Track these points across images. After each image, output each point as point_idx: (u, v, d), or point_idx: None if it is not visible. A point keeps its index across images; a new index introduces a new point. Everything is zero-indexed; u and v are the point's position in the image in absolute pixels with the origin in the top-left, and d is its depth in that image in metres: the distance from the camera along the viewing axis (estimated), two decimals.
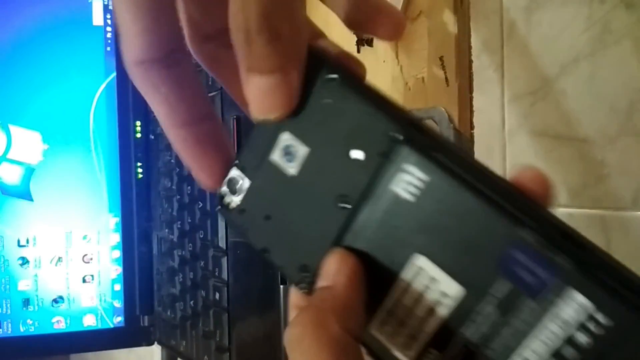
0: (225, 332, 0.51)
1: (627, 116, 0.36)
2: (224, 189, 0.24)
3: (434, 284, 0.20)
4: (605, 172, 0.38)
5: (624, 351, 0.16)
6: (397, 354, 0.20)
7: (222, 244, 0.51)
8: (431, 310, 0.20)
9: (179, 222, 0.58)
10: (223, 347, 0.51)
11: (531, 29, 0.40)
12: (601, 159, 0.38)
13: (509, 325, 0.18)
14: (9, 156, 0.61)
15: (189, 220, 0.56)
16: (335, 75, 0.21)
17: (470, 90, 0.42)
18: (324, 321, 0.19)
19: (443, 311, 0.19)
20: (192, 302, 0.56)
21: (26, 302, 0.61)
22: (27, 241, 0.61)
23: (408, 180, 0.20)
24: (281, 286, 0.45)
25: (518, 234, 0.18)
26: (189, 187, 0.56)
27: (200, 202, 0.54)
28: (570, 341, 0.17)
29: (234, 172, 0.24)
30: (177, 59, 0.21)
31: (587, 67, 0.38)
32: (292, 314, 0.23)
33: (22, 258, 0.61)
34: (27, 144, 0.61)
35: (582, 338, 0.17)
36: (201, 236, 0.54)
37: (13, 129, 0.61)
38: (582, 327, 0.17)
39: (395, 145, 0.20)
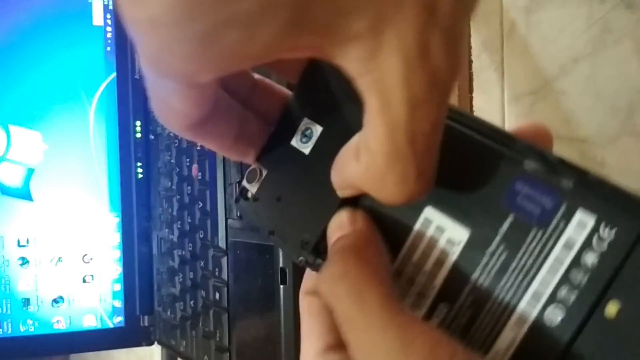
0: (225, 332, 0.51)
1: (627, 116, 0.36)
2: (244, 182, 0.25)
3: (440, 233, 0.20)
4: (605, 172, 0.38)
5: (626, 263, 0.16)
6: None
7: (222, 244, 0.51)
8: (439, 262, 0.20)
9: (179, 222, 0.58)
10: (223, 347, 0.51)
11: (531, 29, 0.39)
12: (601, 159, 0.38)
13: (517, 260, 0.18)
14: (9, 156, 0.61)
15: (189, 220, 0.56)
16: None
17: (470, 90, 0.42)
18: (364, 255, 0.19)
19: (451, 260, 0.19)
20: (192, 302, 0.56)
21: (26, 302, 0.61)
22: (27, 241, 0.61)
23: None
24: (281, 286, 0.45)
25: (521, 166, 0.18)
26: (189, 187, 0.56)
27: (200, 202, 0.54)
28: (576, 263, 0.17)
29: (254, 165, 0.25)
30: (218, 105, 0.22)
31: (587, 67, 0.38)
32: (303, 301, 0.23)
33: (22, 258, 0.61)
34: (27, 144, 0.61)
35: (588, 258, 0.17)
36: (201, 236, 0.54)
37: (13, 129, 0.61)
38: (587, 245, 0.17)
39: None
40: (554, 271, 0.17)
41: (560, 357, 0.17)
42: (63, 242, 0.62)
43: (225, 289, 0.51)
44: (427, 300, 0.20)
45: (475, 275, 0.19)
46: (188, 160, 0.56)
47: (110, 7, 0.64)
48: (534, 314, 0.18)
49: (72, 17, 0.63)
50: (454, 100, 0.41)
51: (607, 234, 0.17)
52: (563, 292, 0.17)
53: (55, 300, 0.61)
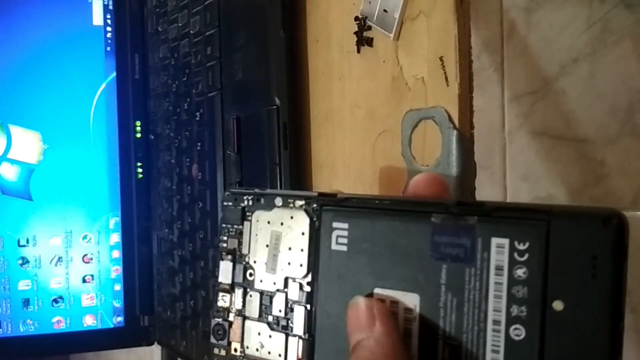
0: None
1: (627, 116, 0.36)
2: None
3: (396, 306, 0.22)
4: (605, 172, 0.38)
5: (549, 262, 0.18)
6: None
7: None
8: (407, 331, 0.21)
9: (179, 222, 0.58)
10: None
11: (531, 29, 0.40)
12: (601, 159, 0.38)
13: (467, 300, 0.20)
14: (9, 156, 0.61)
15: (189, 220, 0.56)
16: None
17: (470, 90, 0.42)
18: None
19: (416, 325, 0.21)
20: (192, 302, 0.56)
21: (26, 302, 0.61)
22: (27, 241, 0.61)
23: (337, 234, 0.23)
24: None
25: (430, 222, 0.21)
26: (189, 187, 0.56)
27: (200, 202, 0.54)
28: (513, 281, 0.19)
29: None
30: None
31: (587, 67, 0.38)
32: None
33: (22, 258, 0.61)
34: (27, 144, 0.61)
35: (519, 272, 0.19)
36: (201, 236, 0.54)
37: (13, 129, 0.61)
38: (513, 263, 0.19)
39: (318, 213, 0.24)
40: (499, 296, 0.19)
41: None
42: (63, 242, 0.62)
43: None
44: None
45: (441, 329, 0.21)
46: (188, 160, 0.56)
47: (110, 7, 0.64)
48: (502, 339, 0.19)
49: (72, 17, 0.63)
50: (454, 100, 0.41)
51: (522, 246, 0.19)
52: (515, 310, 0.19)
53: (55, 300, 0.61)
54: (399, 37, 0.37)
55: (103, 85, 0.63)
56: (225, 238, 0.27)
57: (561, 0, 0.38)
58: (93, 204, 0.63)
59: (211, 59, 0.52)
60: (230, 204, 0.27)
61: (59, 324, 0.61)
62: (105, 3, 0.64)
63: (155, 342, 0.63)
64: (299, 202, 0.25)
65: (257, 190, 0.26)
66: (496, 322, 0.19)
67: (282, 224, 0.25)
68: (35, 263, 0.61)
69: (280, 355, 0.25)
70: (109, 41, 0.64)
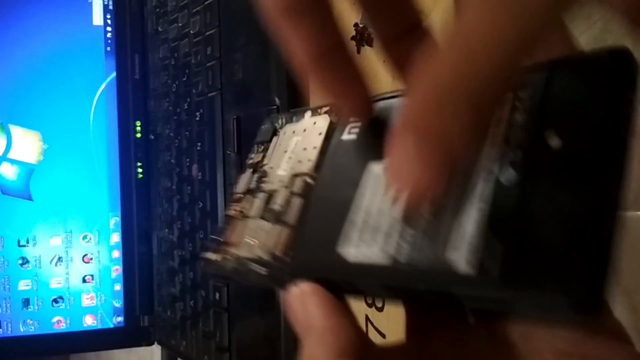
0: (225, 332, 0.51)
1: None
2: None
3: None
4: None
5: (548, 101, 0.17)
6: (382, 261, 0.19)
7: None
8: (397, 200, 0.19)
9: (179, 222, 0.58)
10: (223, 347, 0.51)
11: None
12: None
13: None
14: (9, 156, 0.61)
15: (189, 220, 0.56)
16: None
17: None
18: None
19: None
20: (192, 302, 0.56)
21: (26, 302, 0.61)
22: (27, 241, 0.61)
23: (352, 125, 0.22)
24: None
25: None
26: (189, 187, 0.56)
27: (200, 202, 0.54)
28: (510, 125, 0.17)
29: None
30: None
31: None
32: None
33: (22, 258, 0.61)
34: (27, 144, 0.61)
35: (517, 117, 0.17)
36: (201, 236, 0.54)
37: (13, 129, 0.61)
38: (512, 110, 0.17)
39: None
40: (494, 143, 0.17)
41: (529, 204, 0.16)
42: (63, 242, 0.62)
43: (225, 289, 0.51)
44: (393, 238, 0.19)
45: None
46: (188, 160, 0.56)
47: (110, 7, 0.64)
48: (491, 186, 0.17)
49: (72, 17, 0.63)
50: None
51: (523, 94, 0.17)
52: (509, 155, 0.17)
53: (55, 300, 0.61)
54: None
55: (103, 86, 0.63)
56: (252, 155, 0.26)
57: None
58: (93, 204, 0.63)
59: (211, 59, 0.52)
60: (266, 125, 0.27)
61: (59, 324, 0.61)
62: (105, 3, 0.64)
63: (155, 342, 0.63)
64: (325, 109, 0.24)
65: (292, 110, 0.26)
66: (487, 171, 0.17)
67: (304, 130, 0.25)
68: (35, 263, 0.61)
69: (270, 246, 0.23)
70: (109, 41, 0.64)
